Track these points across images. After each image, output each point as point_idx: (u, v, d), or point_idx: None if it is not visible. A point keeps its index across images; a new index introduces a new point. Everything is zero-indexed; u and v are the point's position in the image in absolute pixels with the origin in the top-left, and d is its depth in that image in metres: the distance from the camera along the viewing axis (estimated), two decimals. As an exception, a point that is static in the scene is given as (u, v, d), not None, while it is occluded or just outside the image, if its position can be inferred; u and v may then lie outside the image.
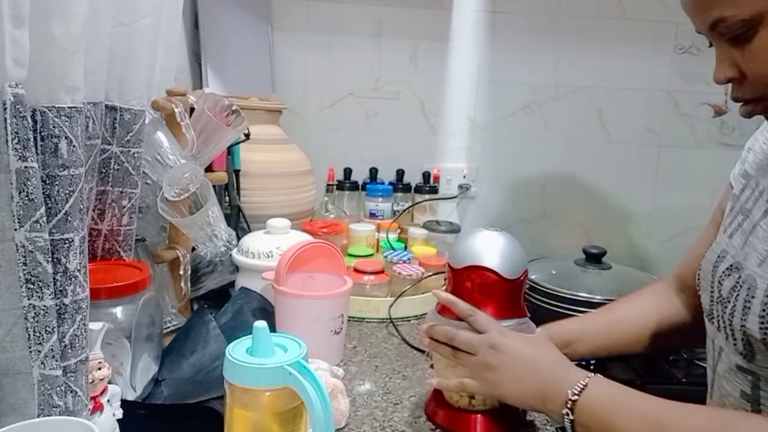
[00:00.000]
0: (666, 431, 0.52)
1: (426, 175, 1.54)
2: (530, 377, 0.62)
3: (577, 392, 0.57)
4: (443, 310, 0.72)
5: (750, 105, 0.58)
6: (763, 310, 0.54)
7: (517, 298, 0.72)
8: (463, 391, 0.69)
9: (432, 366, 0.78)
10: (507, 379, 0.63)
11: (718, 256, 0.63)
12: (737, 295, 0.57)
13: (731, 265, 0.60)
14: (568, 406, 0.57)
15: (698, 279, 0.67)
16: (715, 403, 0.65)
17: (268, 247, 0.98)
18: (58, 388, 0.52)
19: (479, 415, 0.71)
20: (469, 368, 0.66)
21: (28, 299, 0.50)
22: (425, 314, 0.77)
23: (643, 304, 0.83)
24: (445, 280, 1.15)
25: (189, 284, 0.93)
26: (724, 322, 0.60)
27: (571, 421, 0.57)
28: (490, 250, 0.69)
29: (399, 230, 1.40)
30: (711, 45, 0.60)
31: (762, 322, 0.54)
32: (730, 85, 0.60)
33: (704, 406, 0.63)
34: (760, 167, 0.66)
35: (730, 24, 0.54)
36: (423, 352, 0.92)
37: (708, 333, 0.66)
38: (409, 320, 1.06)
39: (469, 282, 0.69)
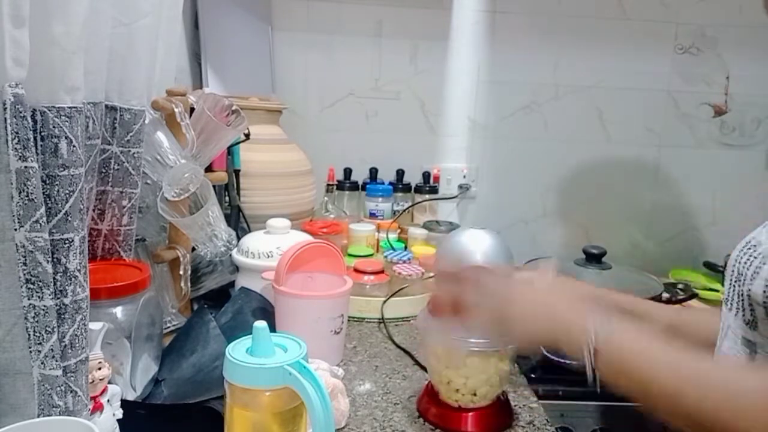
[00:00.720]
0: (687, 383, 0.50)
1: (426, 175, 1.54)
2: (548, 310, 0.59)
3: (599, 329, 0.54)
4: (435, 310, 0.72)
5: None
6: None
7: None
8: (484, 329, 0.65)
9: (425, 369, 0.78)
10: (524, 312, 0.60)
11: (747, 242, 0.64)
12: (750, 265, 0.59)
13: (753, 244, 0.62)
14: (592, 338, 0.53)
15: (728, 267, 0.67)
16: None
17: (268, 247, 0.98)
18: (58, 388, 0.52)
19: (471, 412, 0.71)
20: (480, 316, 0.62)
21: (28, 299, 0.50)
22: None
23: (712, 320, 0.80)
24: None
25: (189, 284, 0.93)
26: (736, 297, 0.61)
27: (595, 352, 0.53)
28: (481, 249, 0.70)
29: (399, 230, 1.40)
30: None
31: (767, 286, 0.55)
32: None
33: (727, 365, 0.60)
34: None
35: None
36: (410, 354, 0.91)
37: (722, 319, 0.66)
38: (409, 320, 1.06)
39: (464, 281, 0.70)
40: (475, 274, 0.65)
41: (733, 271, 0.64)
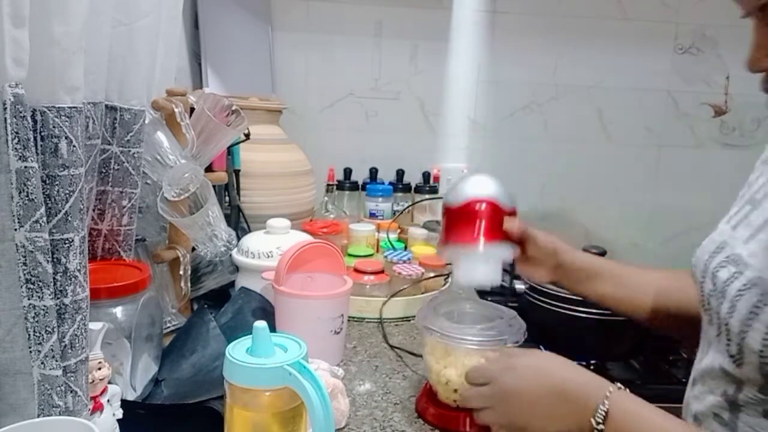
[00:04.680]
0: None
1: (426, 175, 1.54)
2: (554, 407, 0.58)
3: (601, 420, 0.54)
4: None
5: None
6: None
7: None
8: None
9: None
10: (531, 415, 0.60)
11: (717, 247, 0.59)
12: (740, 296, 0.52)
13: (729, 257, 0.56)
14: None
15: (693, 267, 0.63)
16: (693, 397, 0.62)
17: (268, 247, 0.98)
18: (58, 388, 0.52)
19: (470, 413, 0.71)
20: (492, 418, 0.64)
21: (28, 299, 0.50)
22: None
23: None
24: (445, 280, 1.16)
25: (189, 284, 0.92)
26: (719, 319, 0.56)
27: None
28: (486, 185, 0.76)
29: (399, 230, 1.40)
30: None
31: (767, 334, 0.49)
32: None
33: None
34: None
35: None
36: (413, 354, 0.92)
37: (702, 324, 0.62)
38: (409, 320, 1.06)
39: (469, 214, 0.75)
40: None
41: (704, 280, 0.59)
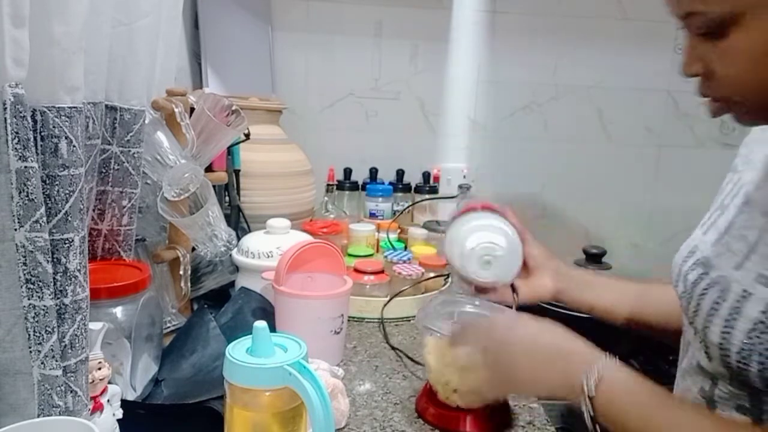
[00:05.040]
0: None
1: (426, 175, 1.54)
2: (546, 362, 0.58)
3: (593, 385, 0.54)
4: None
5: (717, 103, 0.54)
6: (730, 315, 0.52)
7: None
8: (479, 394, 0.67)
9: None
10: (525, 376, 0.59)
11: (690, 251, 0.63)
12: (704, 294, 0.55)
13: (698, 260, 0.60)
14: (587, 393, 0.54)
15: (671, 272, 0.66)
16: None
17: (268, 247, 0.98)
18: (58, 388, 0.52)
19: (470, 413, 0.71)
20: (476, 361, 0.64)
21: (28, 299, 0.50)
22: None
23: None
24: (445, 280, 1.16)
25: (189, 284, 0.92)
26: (689, 318, 0.59)
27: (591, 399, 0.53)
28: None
29: (399, 230, 1.40)
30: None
31: (725, 327, 0.52)
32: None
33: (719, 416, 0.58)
34: (746, 161, 0.64)
35: (701, 20, 0.51)
36: (413, 360, 0.91)
37: (683, 325, 0.65)
38: (409, 320, 1.06)
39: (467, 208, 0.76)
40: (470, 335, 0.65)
41: (677, 284, 0.62)
